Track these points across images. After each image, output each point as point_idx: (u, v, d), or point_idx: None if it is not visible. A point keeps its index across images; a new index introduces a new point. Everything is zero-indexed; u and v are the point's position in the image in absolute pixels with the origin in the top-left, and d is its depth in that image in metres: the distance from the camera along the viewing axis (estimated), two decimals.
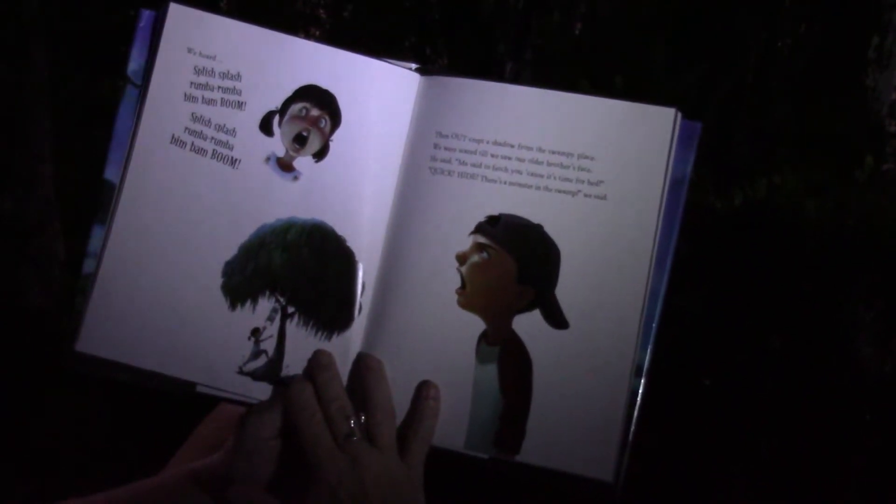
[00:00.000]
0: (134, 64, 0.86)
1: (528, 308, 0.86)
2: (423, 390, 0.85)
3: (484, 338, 0.86)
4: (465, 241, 0.86)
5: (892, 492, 2.59)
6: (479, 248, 0.86)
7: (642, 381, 0.85)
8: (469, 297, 0.86)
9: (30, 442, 2.11)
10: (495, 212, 0.86)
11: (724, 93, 2.81)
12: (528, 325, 0.86)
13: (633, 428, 0.85)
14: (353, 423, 0.82)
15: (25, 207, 2.26)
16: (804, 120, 2.70)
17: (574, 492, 0.85)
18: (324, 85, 0.88)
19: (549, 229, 0.86)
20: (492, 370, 0.86)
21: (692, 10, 2.96)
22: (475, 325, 0.86)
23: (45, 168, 2.33)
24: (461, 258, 0.86)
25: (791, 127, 2.73)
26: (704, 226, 2.59)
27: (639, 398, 0.85)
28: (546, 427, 0.85)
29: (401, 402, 0.86)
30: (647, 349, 0.85)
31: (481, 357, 0.86)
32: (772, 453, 2.67)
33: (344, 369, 0.87)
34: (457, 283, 0.86)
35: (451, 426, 0.86)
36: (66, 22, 2.25)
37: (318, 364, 0.85)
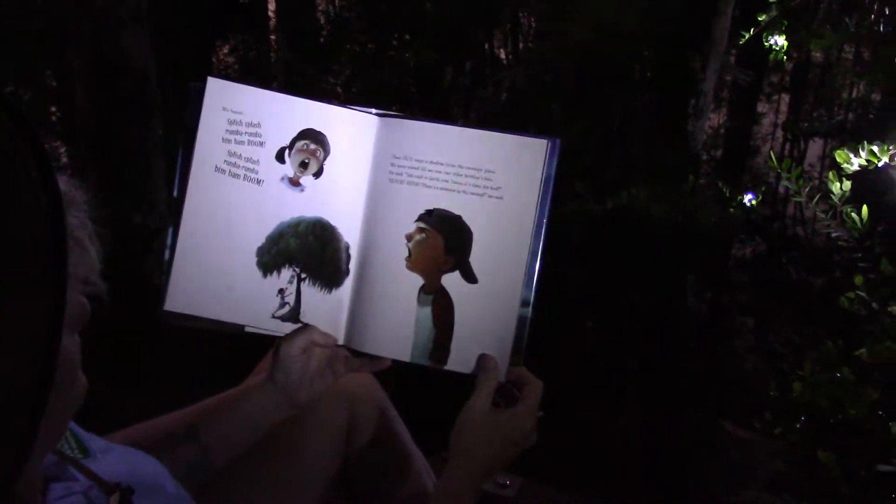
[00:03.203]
0: (188, 120, 0.84)
1: (451, 270, 0.86)
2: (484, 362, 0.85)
3: (422, 289, 0.86)
4: (412, 226, 0.86)
5: (707, 387, 2.66)
6: (420, 230, 0.86)
7: (529, 310, 0.84)
8: (413, 262, 0.86)
9: (140, 374, 2.10)
10: (431, 207, 0.86)
11: (599, 137, 2.83)
12: (452, 281, 0.86)
13: (525, 341, 0.85)
14: None
15: (149, 219, 2.29)
16: (651, 153, 2.73)
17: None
18: (317, 127, 0.87)
19: (466, 218, 0.86)
20: (428, 310, 0.86)
21: (578, 86, 2.99)
22: (417, 280, 0.86)
23: (160, 195, 2.36)
24: (408, 237, 0.86)
25: (642, 157, 2.76)
26: (588, 223, 2.60)
27: (528, 321, 0.85)
28: (462, 346, 0.86)
29: (375, 322, 0.86)
30: (531, 288, 0.84)
31: (421, 301, 0.86)
32: (633, 368, 2.72)
33: (340, 312, 0.87)
34: (405, 254, 0.86)
35: (401, 345, 0.86)
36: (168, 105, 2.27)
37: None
